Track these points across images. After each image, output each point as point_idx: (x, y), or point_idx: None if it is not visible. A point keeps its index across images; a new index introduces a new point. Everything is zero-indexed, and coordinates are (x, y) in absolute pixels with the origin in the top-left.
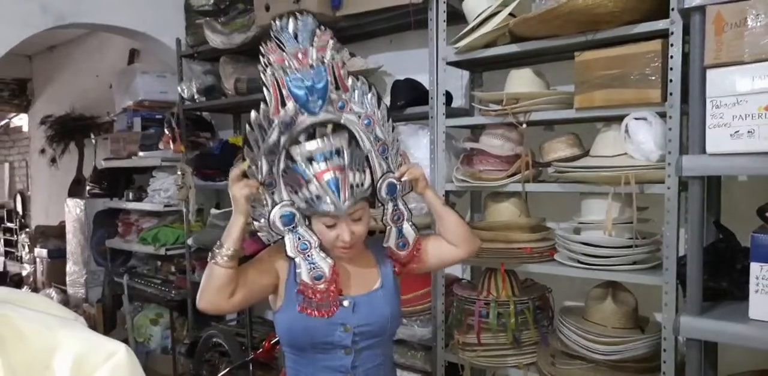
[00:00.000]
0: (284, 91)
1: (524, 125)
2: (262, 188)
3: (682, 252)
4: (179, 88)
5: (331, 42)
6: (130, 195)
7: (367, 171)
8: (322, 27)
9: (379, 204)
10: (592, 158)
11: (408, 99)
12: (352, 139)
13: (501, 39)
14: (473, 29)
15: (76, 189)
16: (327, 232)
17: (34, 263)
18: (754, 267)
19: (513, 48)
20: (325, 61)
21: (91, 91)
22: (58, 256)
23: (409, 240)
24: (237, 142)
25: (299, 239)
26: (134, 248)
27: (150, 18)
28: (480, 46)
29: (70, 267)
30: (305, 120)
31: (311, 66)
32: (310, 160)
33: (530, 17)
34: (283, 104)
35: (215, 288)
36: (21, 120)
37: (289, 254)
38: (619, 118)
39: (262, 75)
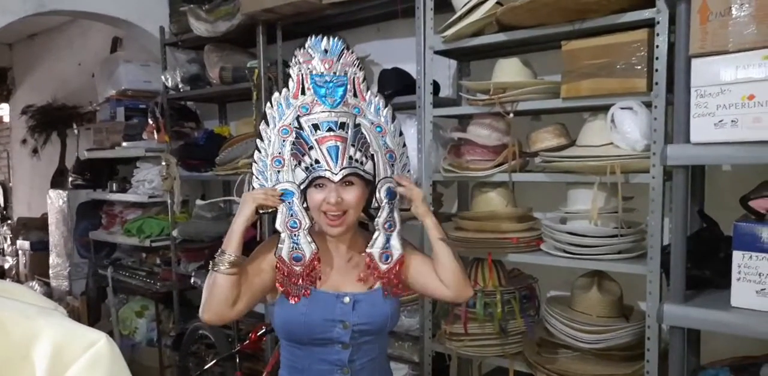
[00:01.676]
0: (306, 84)
1: (511, 115)
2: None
3: (667, 241)
4: (163, 77)
5: (356, 62)
6: (114, 186)
7: (370, 162)
8: (350, 49)
9: (376, 204)
10: (579, 148)
11: (395, 88)
12: (361, 133)
13: (488, 28)
14: (460, 18)
15: (58, 180)
16: (316, 195)
17: (17, 255)
18: (737, 255)
19: (500, 37)
20: (348, 73)
21: (73, 80)
22: (40, 248)
23: (394, 254)
24: (222, 132)
25: (291, 216)
26: (118, 240)
27: (133, 5)
28: (467, 34)
29: (53, 259)
30: (321, 115)
31: (334, 73)
32: (315, 127)
33: (517, 6)
34: (303, 93)
35: (219, 297)
36: (2, 110)
37: (277, 226)
38: (606, 108)
39: (290, 70)
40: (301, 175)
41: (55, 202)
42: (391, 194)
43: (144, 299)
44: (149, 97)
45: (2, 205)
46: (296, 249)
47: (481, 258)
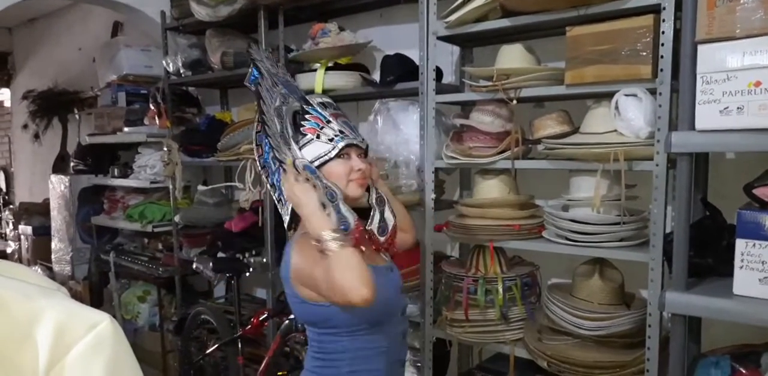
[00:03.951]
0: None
1: (514, 102)
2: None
3: (669, 229)
4: (164, 62)
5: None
6: (116, 171)
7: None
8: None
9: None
10: (582, 135)
11: (398, 74)
12: None
13: (492, 13)
14: (464, 3)
15: (60, 165)
16: (341, 165)
17: (19, 240)
18: (740, 243)
19: (504, 23)
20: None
21: (74, 65)
22: (43, 233)
23: (388, 226)
24: (224, 118)
25: (326, 187)
26: (120, 225)
27: None
28: (471, 20)
29: (55, 244)
30: (326, 98)
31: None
32: (324, 106)
33: None
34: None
35: (365, 269)
36: (2, 95)
37: (321, 200)
38: (610, 95)
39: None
40: (322, 147)
41: (57, 187)
42: None
43: (146, 284)
44: (150, 83)
45: (4, 190)
46: (342, 220)
47: (483, 245)
